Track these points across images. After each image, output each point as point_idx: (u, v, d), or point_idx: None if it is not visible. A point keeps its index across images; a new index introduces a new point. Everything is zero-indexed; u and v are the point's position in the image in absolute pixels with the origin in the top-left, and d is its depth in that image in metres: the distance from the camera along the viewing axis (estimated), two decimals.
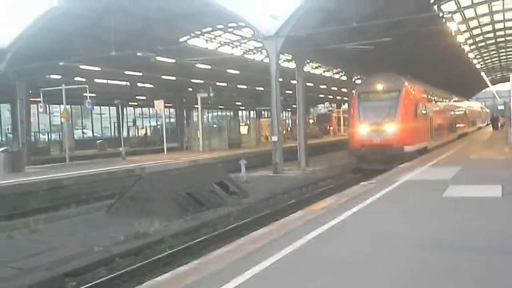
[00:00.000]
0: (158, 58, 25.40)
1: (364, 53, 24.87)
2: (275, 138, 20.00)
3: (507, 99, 28.50)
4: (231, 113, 70.16)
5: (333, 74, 46.39)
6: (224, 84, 39.42)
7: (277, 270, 5.33)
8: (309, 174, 20.43)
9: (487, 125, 61.21)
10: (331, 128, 55.22)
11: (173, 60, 27.09)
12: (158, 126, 53.17)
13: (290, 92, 43.90)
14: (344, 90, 43.09)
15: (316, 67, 42.95)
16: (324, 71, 45.61)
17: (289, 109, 66.98)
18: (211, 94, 29.13)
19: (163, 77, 34.05)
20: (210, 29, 29.57)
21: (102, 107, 51.84)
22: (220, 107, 62.95)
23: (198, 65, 30.05)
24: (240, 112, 70.14)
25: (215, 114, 67.10)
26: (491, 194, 9.49)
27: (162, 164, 20.25)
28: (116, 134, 46.70)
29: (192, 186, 12.84)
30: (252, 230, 9.13)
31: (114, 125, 51.20)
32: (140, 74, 33.25)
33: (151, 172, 16.23)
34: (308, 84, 45.61)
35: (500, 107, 57.84)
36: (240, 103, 60.78)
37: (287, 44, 20.67)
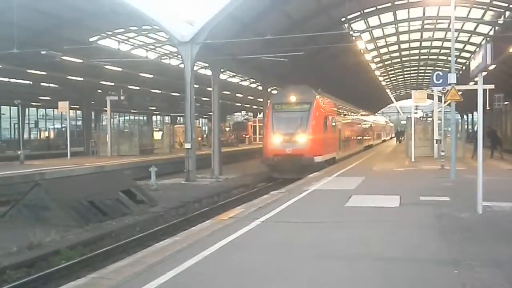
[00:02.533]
0: (64, 58, 23.91)
1: (279, 65, 25.41)
2: (188, 145, 19.63)
3: (409, 115, 30.59)
4: (145, 118, 68.34)
5: (250, 83, 46.97)
6: (137, 88, 38.15)
7: (175, 285, 5.08)
8: (222, 182, 20.30)
9: (391, 138, 65.43)
10: (247, 136, 55.72)
11: (80, 60, 25.63)
12: (63, 129, 50.21)
13: (207, 99, 43.83)
14: (260, 99, 43.84)
15: (233, 76, 43.22)
16: (241, 80, 46.05)
17: (205, 116, 66.70)
18: (122, 97, 27.92)
19: (70, 77, 32.16)
20: (122, 30, 28.53)
21: (2, 107, 48.03)
22: (133, 111, 61.05)
23: (108, 67, 28.76)
24: (155, 117, 68.55)
25: (128, 118, 64.93)
26: (390, 204, 9.98)
27: (64, 170, 18.96)
28: (17, 136, 43.41)
29: (94, 194, 12.11)
30: (157, 240, 8.77)
31: (15, 126, 47.54)
32: (45, 73, 31.15)
33: (49, 178, 15.09)
34: (225, 92, 45.86)
35: (403, 122, 62.22)
36: (154, 108, 59.28)
37: (203, 51, 20.47)
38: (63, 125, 53.16)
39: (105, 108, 34.86)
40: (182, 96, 36.70)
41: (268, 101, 23.17)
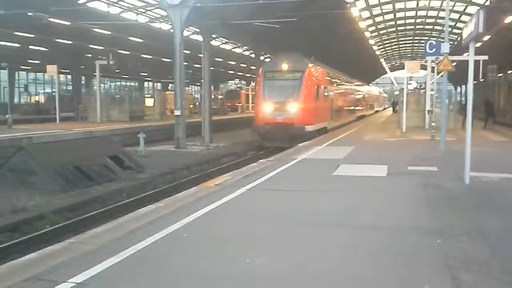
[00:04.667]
0: (52, 20, 23.24)
1: (272, 31, 24.93)
2: (177, 112, 19.41)
3: (403, 86, 30.34)
4: (137, 84, 67.55)
5: (243, 51, 46.28)
6: (127, 53, 37.44)
7: (155, 250, 5.00)
8: (212, 150, 20.21)
9: (384, 109, 65.39)
10: (240, 105, 55.29)
11: (68, 22, 24.94)
12: (53, 93, 49.46)
13: (199, 66, 43.17)
14: (253, 67, 43.32)
15: (225, 43, 42.49)
16: (233, 47, 45.33)
17: (198, 84, 66.05)
18: (111, 62, 27.39)
19: (58, 40, 31.43)
20: None
21: None
22: (124, 77, 60.24)
23: (97, 30, 28.10)
24: (147, 83, 67.73)
25: (119, 84, 64.14)
26: (377, 173, 9.93)
27: (52, 134, 18.71)
28: (6, 100, 42.74)
29: (81, 159, 11.98)
30: (143, 206, 8.69)
31: (4, 90, 46.79)
32: (33, 36, 30.39)
33: (34, 143, 14.87)
34: (218, 59, 45.25)
35: (396, 93, 61.94)
36: (145, 74, 58.46)
37: (194, 15, 19.98)
38: (53, 90, 52.42)
39: (95, 73, 34.36)
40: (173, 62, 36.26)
41: (260, 69, 22.79)
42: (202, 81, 23.17)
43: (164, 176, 13.50)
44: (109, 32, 29.06)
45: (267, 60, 32.84)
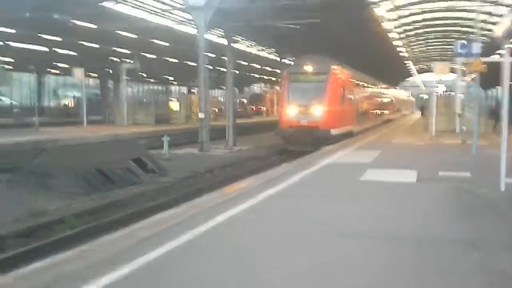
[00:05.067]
0: (78, 23, 23.51)
1: (296, 33, 24.63)
2: (201, 115, 19.28)
3: (431, 89, 29.53)
4: (163, 88, 68.10)
5: (268, 54, 46.06)
6: (153, 57, 37.72)
7: (167, 262, 4.73)
8: (236, 153, 19.99)
9: (412, 112, 64.04)
10: (264, 108, 55.05)
11: (94, 26, 25.21)
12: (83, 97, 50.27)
13: (224, 69, 43.19)
14: (277, 70, 43.04)
15: (250, 46, 42.37)
16: (258, 50, 45.17)
17: (223, 87, 66.12)
18: (137, 65, 27.59)
19: (86, 44, 31.87)
20: None
21: (22, 74, 48.17)
22: (151, 80, 60.78)
23: (123, 34, 28.32)
24: (173, 87, 68.20)
25: (146, 88, 64.78)
26: (407, 179, 9.47)
27: (78, 137, 18.85)
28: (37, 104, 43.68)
29: (103, 162, 11.89)
30: (163, 211, 8.47)
31: (33, 93, 47.85)
32: (60, 39, 30.88)
33: (57, 145, 14.92)
34: (242, 62, 45.19)
35: (424, 96, 60.67)
36: (172, 78, 58.87)
37: (217, 17, 19.86)
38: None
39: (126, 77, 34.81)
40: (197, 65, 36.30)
41: (284, 71, 22.48)
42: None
43: (187, 180, 13.31)
44: (135, 36, 29.25)
45: (291, 62, 32.50)
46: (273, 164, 16.03)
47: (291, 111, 20.48)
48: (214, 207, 7.04)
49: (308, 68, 21.01)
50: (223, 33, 28.14)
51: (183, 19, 32.54)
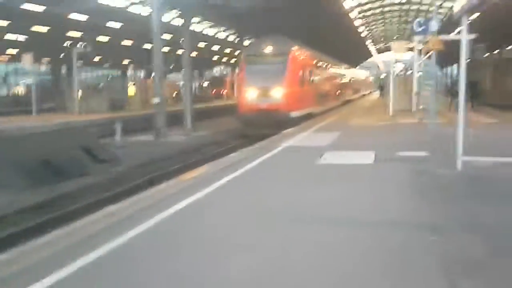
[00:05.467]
0: (27, 5, 22.17)
1: (256, 14, 24.13)
2: (156, 100, 18.60)
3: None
4: (120, 72, 66.10)
5: (228, 35, 45.31)
6: (106, 39, 36.28)
7: (110, 261, 4.34)
8: (194, 139, 19.46)
9: (371, 92, 64.88)
10: (225, 92, 54.36)
11: (42, 7, 23.86)
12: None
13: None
14: (239, 52, 42.37)
15: (210, 27, 41.47)
16: (218, 31, 44.31)
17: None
18: (89, 49, 26.38)
19: (35, 28, 30.25)
20: None
21: None
22: (106, 65, 58.76)
23: (74, 17, 26.98)
24: (131, 72, 66.19)
25: (102, 72, 62.60)
26: (364, 161, 9.35)
27: (26, 127, 17.83)
28: None
29: (49, 152, 11.20)
30: (114, 203, 7.98)
31: None
32: (8, 22, 29.15)
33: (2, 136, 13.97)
34: (201, 45, 44.31)
35: (382, 76, 61.48)
36: (128, 62, 57.06)
37: None
38: (37, 81, 50.99)
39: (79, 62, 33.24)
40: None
41: (243, 53, 21.97)
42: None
43: (140, 168, 12.77)
44: (86, 17, 27.93)
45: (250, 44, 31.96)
46: (232, 149, 15.65)
47: (250, 94, 20.10)
48: (165, 199, 6.64)
49: (267, 49, 20.63)
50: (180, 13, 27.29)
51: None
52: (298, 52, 21.74)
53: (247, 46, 25.11)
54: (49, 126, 18.46)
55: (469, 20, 8.42)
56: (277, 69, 20.08)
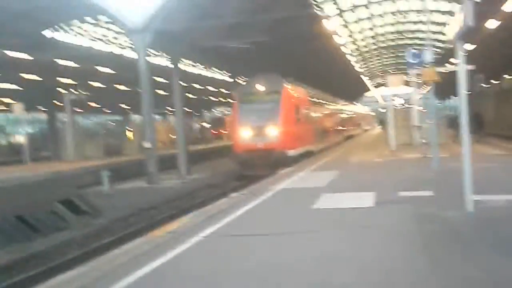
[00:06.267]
0: (13, 55, 21.88)
1: (248, 54, 23.77)
2: (147, 145, 17.87)
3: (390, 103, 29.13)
4: (118, 118, 65.90)
5: (227, 77, 45.21)
6: (103, 86, 36.08)
7: None
8: (188, 183, 18.63)
9: (372, 127, 64.33)
10: (225, 132, 53.87)
11: (29, 57, 23.56)
12: (33, 133, 47.93)
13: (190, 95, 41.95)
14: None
15: (205, 69, 41.36)
16: (212, 73, 44.19)
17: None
18: (82, 95, 25.98)
19: (27, 77, 30.01)
20: (77, 21, 26.60)
21: None
22: (107, 111, 58.64)
23: (65, 63, 26.75)
24: (133, 116, 65.99)
25: (101, 119, 62.44)
26: (363, 203, 8.42)
27: (11, 178, 17.02)
28: None
29: (24, 206, 10.32)
30: (81, 264, 7.05)
31: None
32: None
33: None
34: (197, 86, 44.13)
35: (382, 111, 60.98)
36: (129, 107, 56.98)
37: (160, 40, 18.74)
38: (36, 129, 50.73)
39: (77, 109, 32.91)
40: (154, 93, 34.87)
41: (235, 93, 21.43)
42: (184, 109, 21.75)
43: (124, 221, 11.84)
44: (77, 65, 27.70)
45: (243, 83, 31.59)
46: (227, 193, 14.75)
47: (244, 134, 19.41)
48: (128, 263, 5.71)
49: (260, 87, 20.10)
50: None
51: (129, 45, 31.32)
52: (292, 90, 21.20)
53: (239, 86, 24.57)
54: (37, 176, 17.72)
55: (466, 53, 7.71)
56: (270, 107, 19.50)
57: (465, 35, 6.72)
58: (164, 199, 14.59)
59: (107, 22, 26.30)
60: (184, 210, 12.10)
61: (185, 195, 15.62)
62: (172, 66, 21.29)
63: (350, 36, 39.66)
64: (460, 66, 7.50)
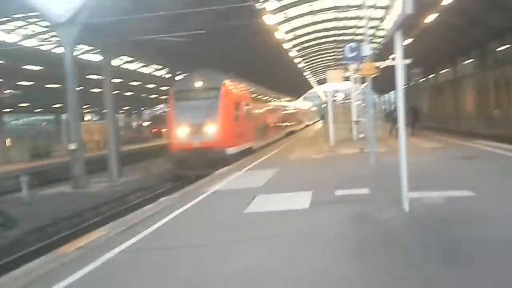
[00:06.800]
0: None
1: (187, 49, 22.80)
2: (72, 146, 16.54)
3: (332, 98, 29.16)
4: (53, 117, 62.52)
5: (165, 73, 43.76)
6: (31, 83, 33.72)
7: None
8: (118, 187, 17.47)
9: (314, 123, 65.01)
10: (166, 130, 52.34)
11: None
12: None
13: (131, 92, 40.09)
14: None
15: (145, 65, 39.78)
16: (155, 70, 42.66)
17: (120, 112, 62.26)
18: (4, 95, 24.02)
19: None
20: (8, 18, 24.67)
21: None
22: (38, 110, 55.33)
23: None
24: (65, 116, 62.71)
25: (31, 119, 58.93)
26: (298, 205, 7.89)
27: None
28: None
29: None
30: None
31: None
32: None
33: None
34: (135, 83, 42.45)
35: (324, 106, 61.75)
36: (59, 105, 53.99)
37: (88, 33, 17.45)
38: None
39: (6, 110, 30.41)
40: (86, 90, 32.91)
41: (171, 89, 20.41)
42: (125, 108, 20.44)
43: (40, 231, 10.69)
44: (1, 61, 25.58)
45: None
46: (158, 196, 13.86)
47: (180, 132, 18.51)
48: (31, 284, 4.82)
49: (197, 83, 19.26)
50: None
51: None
52: (231, 86, 20.53)
53: (175, 82, 23.55)
54: None
55: (403, 46, 7.34)
56: (208, 104, 18.71)
57: (404, 24, 6.30)
58: (89, 206, 13.46)
59: (31, 17, 24.48)
60: (106, 218, 11.08)
61: (111, 200, 14.53)
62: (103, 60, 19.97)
63: (292, 31, 39.51)
64: (398, 58, 7.13)
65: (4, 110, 38.86)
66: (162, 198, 10.32)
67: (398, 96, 7.11)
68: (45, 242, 9.62)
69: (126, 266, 5.45)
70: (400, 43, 7.03)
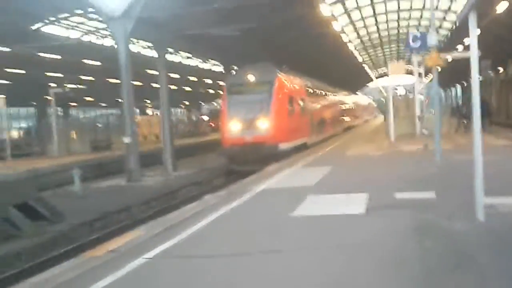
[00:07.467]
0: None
1: (241, 43, 22.35)
2: (127, 140, 16.52)
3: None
4: (118, 111, 64.65)
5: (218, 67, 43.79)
6: (91, 79, 34.76)
7: None
8: (172, 181, 17.29)
9: (375, 117, 62.81)
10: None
11: (8, 49, 22.28)
12: (25, 128, 47.01)
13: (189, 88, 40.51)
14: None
15: (203, 62, 39.98)
16: (214, 65, 42.76)
17: (182, 106, 63.41)
18: (66, 89, 24.73)
19: (10, 70, 28.78)
20: (67, 15, 25.41)
21: None
22: (103, 104, 57.41)
23: (47, 56, 25.46)
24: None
25: (95, 113, 61.27)
26: (353, 209, 7.07)
27: None
28: None
29: None
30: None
31: None
32: None
33: None
34: (192, 78, 42.79)
35: (383, 100, 59.48)
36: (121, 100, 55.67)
37: (142, 28, 17.35)
38: (29, 125, 49.68)
39: (72, 103, 31.59)
40: (146, 86, 33.51)
41: (224, 84, 20.01)
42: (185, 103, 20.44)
43: (86, 226, 10.54)
44: (59, 56, 26.40)
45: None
46: (207, 192, 13.42)
47: (233, 127, 18.07)
48: None
49: (250, 77, 18.73)
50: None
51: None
52: (285, 79, 19.79)
53: (229, 76, 23.13)
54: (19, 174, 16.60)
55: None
56: (261, 98, 18.12)
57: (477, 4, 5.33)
58: (140, 200, 13.27)
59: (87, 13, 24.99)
60: (152, 216, 10.72)
61: (163, 195, 14.30)
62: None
63: (351, 23, 38.06)
64: (473, 45, 6.15)
65: (69, 103, 40.57)
66: (207, 196, 9.81)
67: (473, 89, 6.11)
68: (84, 239, 9.35)
69: (149, 276, 4.87)
70: (475, 27, 6.03)
